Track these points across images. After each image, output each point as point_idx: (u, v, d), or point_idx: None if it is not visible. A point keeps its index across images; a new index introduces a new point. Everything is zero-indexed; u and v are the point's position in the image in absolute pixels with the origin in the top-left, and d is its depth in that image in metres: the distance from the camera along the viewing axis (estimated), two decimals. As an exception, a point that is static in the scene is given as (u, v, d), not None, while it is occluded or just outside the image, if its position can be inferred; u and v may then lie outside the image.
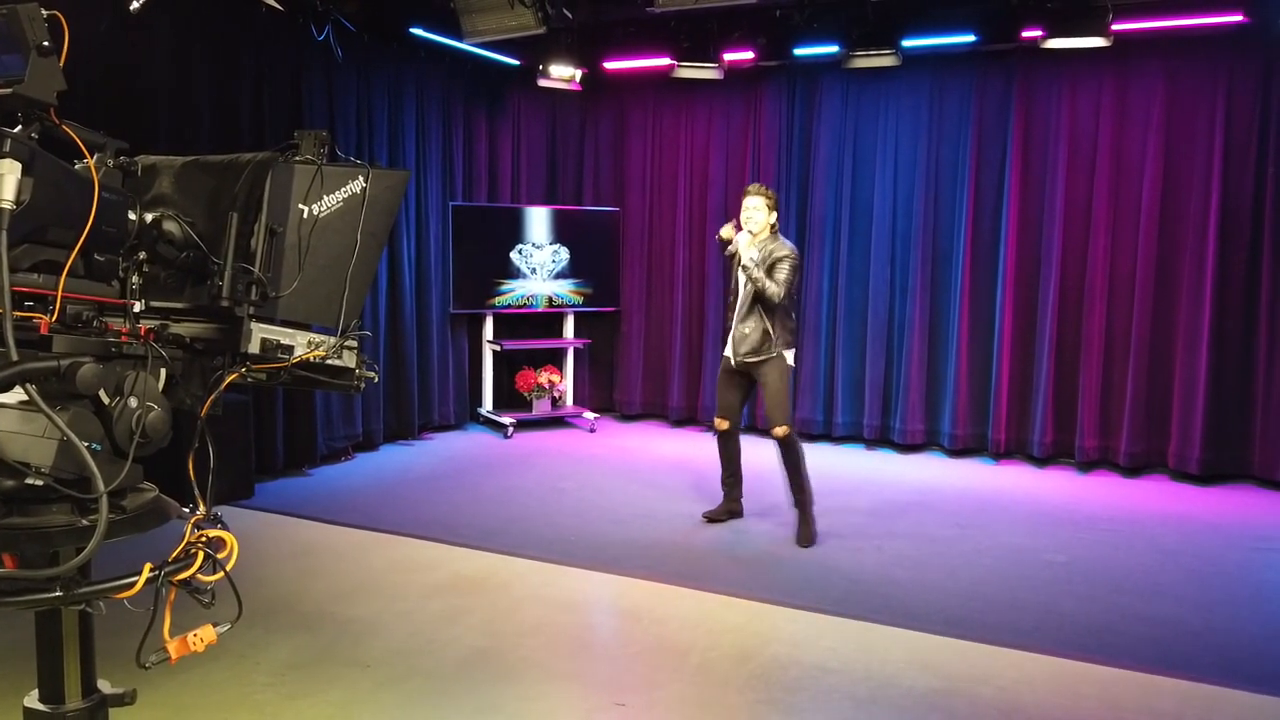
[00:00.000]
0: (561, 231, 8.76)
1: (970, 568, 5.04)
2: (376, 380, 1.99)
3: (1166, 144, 7.05)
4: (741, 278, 5.38)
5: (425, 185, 7.98)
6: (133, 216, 1.62)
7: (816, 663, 3.85)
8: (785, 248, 5.29)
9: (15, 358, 1.35)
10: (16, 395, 1.42)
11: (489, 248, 8.43)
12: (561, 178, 9.26)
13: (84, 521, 1.50)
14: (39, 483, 1.43)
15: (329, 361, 1.86)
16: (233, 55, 6.21)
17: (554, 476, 6.89)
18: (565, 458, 7.55)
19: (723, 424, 5.58)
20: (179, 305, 1.74)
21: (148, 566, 1.54)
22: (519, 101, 8.81)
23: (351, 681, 3.60)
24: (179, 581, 1.60)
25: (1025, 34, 6.74)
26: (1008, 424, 7.57)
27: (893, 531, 5.66)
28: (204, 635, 1.64)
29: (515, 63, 8.15)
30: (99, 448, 1.47)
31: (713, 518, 5.73)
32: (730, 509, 5.77)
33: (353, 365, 1.90)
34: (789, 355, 5.37)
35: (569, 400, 8.99)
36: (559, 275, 8.78)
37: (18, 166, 1.37)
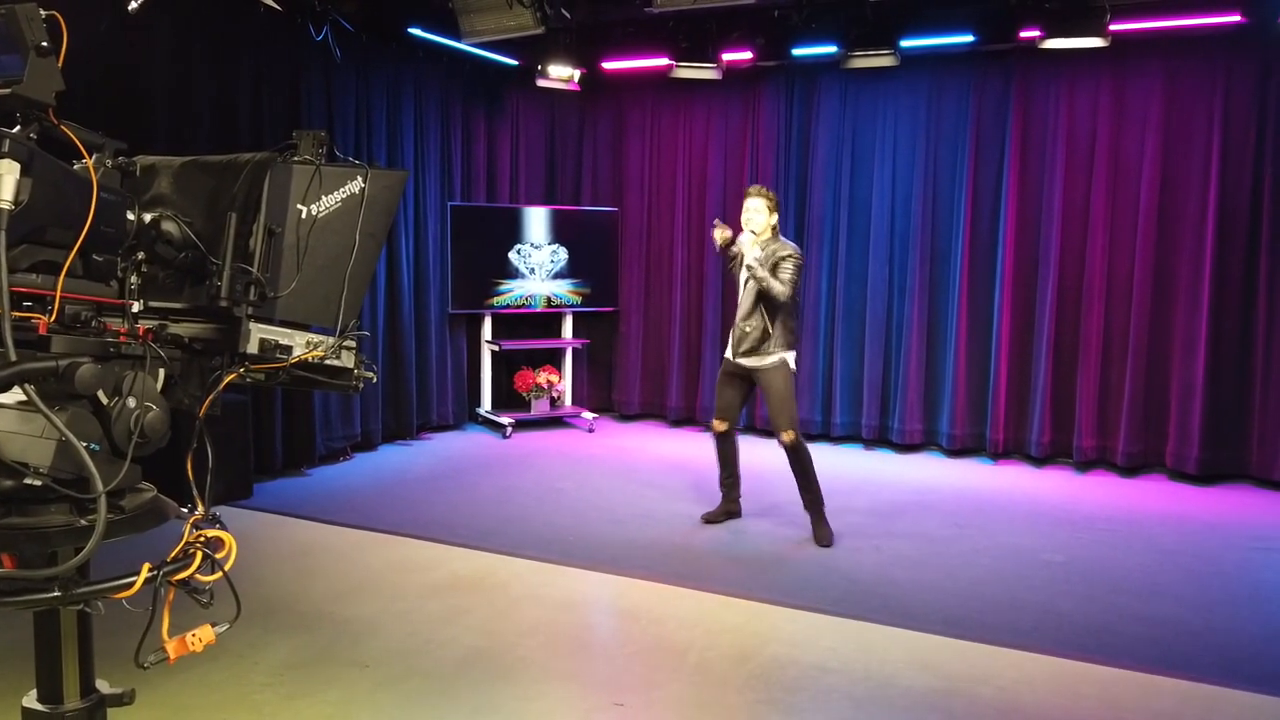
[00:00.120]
0: (560, 231, 8.76)
1: (969, 568, 5.05)
2: (375, 380, 1.99)
3: (1164, 144, 7.06)
4: (742, 278, 5.38)
5: (424, 185, 7.98)
6: (131, 217, 1.62)
7: (815, 663, 3.86)
8: (788, 247, 5.30)
9: (14, 358, 1.35)
10: (15, 395, 1.42)
11: (487, 248, 8.43)
12: (560, 178, 9.26)
13: (82, 521, 1.51)
14: (37, 483, 1.43)
15: (327, 362, 1.86)
16: (231, 55, 6.21)
17: (552, 476, 6.90)
18: (564, 458, 7.55)
19: (720, 425, 5.58)
20: (177, 305, 1.74)
21: (146, 566, 1.55)
22: (517, 101, 8.81)
23: (350, 681, 3.60)
24: (177, 581, 1.59)
25: (1023, 34, 6.75)
26: (1006, 424, 7.58)
27: (891, 531, 5.66)
28: (202, 635, 1.64)
29: (514, 63, 8.15)
30: (97, 448, 1.47)
31: (711, 519, 5.73)
32: (729, 510, 5.77)
33: (351, 365, 1.90)
34: (790, 358, 5.36)
35: (567, 400, 8.99)
36: (557, 275, 8.78)
37: (16, 167, 1.37)
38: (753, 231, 5.35)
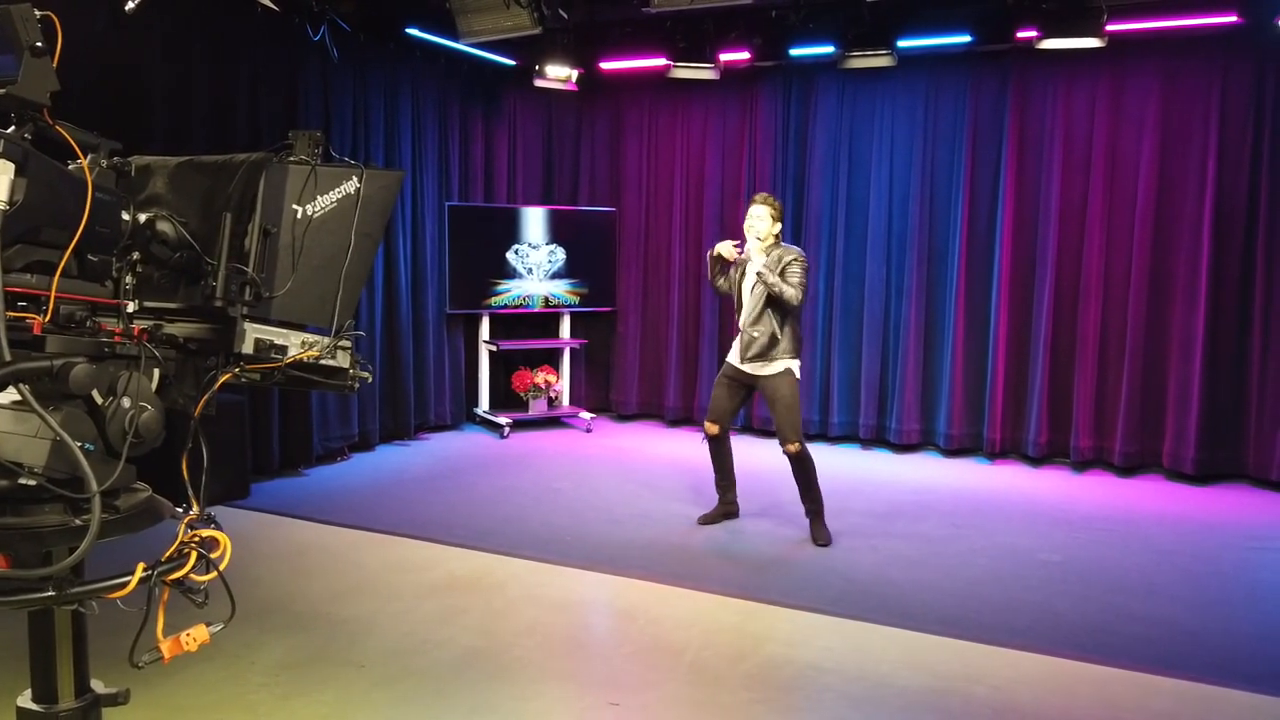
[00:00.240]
0: (558, 232, 8.76)
1: (965, 567, 5.05)
2: (371, 380, 1.99)
3: (1161, 144, 7.07)
4: (745, 286, 5.36)
5: (421, 185, 7.98)
6: (126, 217, 1.62)
7: (811, 662, 3.86)
8: (792, 250, 5.28)
9: (8, 358, 1.35)
10: (10, 395, 1.43)
11: (485, 248, 8.43)
12: (558, 178, 9.26)
13: (77, 521, 1.50)
14: (32, 482, 1.43)
15: (323, 362, 1.86)
16: (229, 55, 6.20)
17: (550, 476, 6.90)
18: (561, 458, 7.56)
19: (712, 429, 5.55)
20: (173, 305, 1.74)
21: (141, 566, 1.55)
22: (515, 102, 8.81)
23: (346, 681, 3.60)
24: (172, 581, 1.59)
25: (1020, 34, 6.75)
26: (1003, 424, 7.58)
27: (888, 531, 5.67)
28: (197, 635, 1.64)
29: (511, 63, 8.16)
30: (92, 448, 1.47)
31: (706, 521, 5.72)
32: (725, 511, 5.76)
33: (347, 365, 1.90)
34: (795, 367, 5.32)
35: (565, 400, 8.99)
36: (555, 275, 8.79)
37: (11, 167, 1.37)
38: (757, 238, 5.32)
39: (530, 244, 8.65)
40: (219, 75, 6.16)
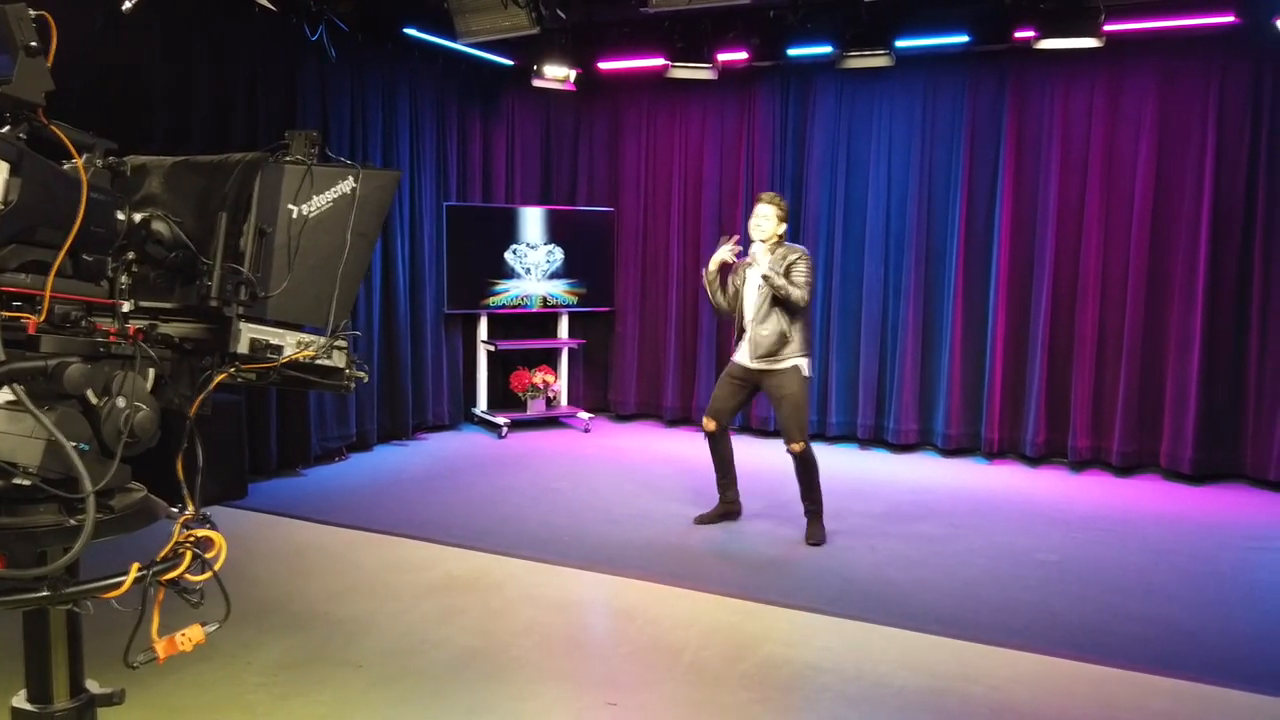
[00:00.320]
0: (556, 231, 8.76)
1: (963, 567, 5.05)
2: (366, 380, 1.99)
3: (1159, 144, 7.07)
4: (748, 288, 5.34)
5: (419, 185, 7.97)
6: (121, 216, 1.62)
7: (809, 662, 3.86)
8: (797, 250, 5.27)
9: (3, 358, 1.35)
10: (4, 395, 1.42)
11: (483, 248, 8.43)
12: (556, 178, 9.26)
13: (72, 521, 1.50)
14: (26, 482, 1.43)
15: (319, 361, 1.86)
16: (227, 55, 6.20)
17: (548, 476, 6.90)
18: (559, 458, 7.56)
19: (710, 425, 5.53)
20: (168, 305, 1.74)
21: (135, 566, 1.54)
22: (513, 102, 8.81)
23: (344, 681, 3.60)
24: (167, 581, 1.59)
25: (1018, 34, 6.76)
26: (1001, 424, 7.59)
27: (886, 531, 5.67)
28: (192, 635, 1.64)
29: (509, 63, 8.16)
30: (86, 448, 1.47)
31: (704, 521, 5.71)
32: (725, 511, 5.73)
33: (342, 365, 1.90)
34: (805, 365, 5.31)
35: (563, 400, 8.99)
36: (553, 275, 8.79)
37: (5, 167, 1.37)
38: (761, 239, 5.31)
39: (528, 244, 8.65)
40: (217, 75, 6.16)
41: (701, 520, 5.71)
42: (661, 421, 8.91)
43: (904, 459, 7.73)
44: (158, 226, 1.66)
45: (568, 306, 8.88)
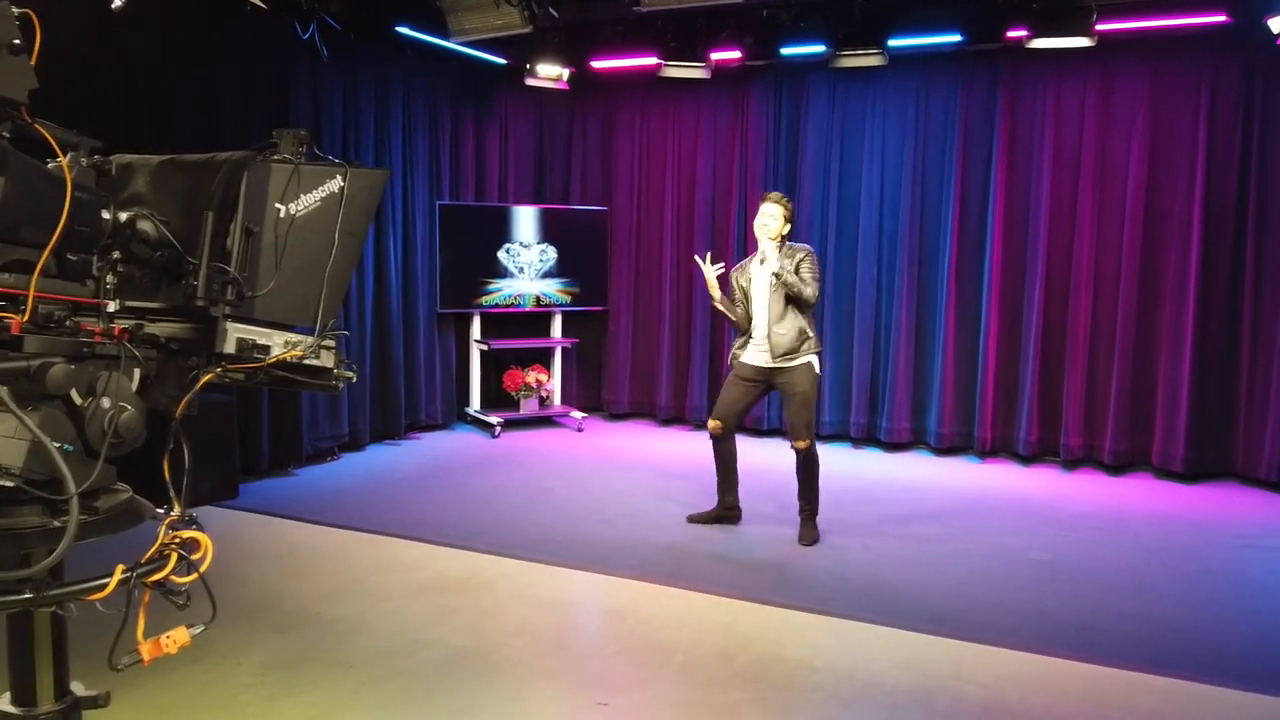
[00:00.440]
0: (549, 231, 8.75)
1: (956, 566, 5.06)
2: (355, 380, 1.98)
3: (1151, 143, 7.09)
4: (757, 288, 5.32)
5: (412, 184, 7.95)
6: (107, 215, 1.60)
7: (802, 661, 3.86)
8: (803, 248, 5.30)
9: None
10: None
11: (476, 247, 8.42)
12: (549, 177, 9.24)
13: (56, 523, 1.49)
14: (9, 484, 1.41)
15: (306, 361, 1.84)
16: (217, 54, 6.17)
17: (541, 476, 6.89)
18: (552, 457, 7.55)
19: (715, 426, 5.49)
20: (154, 305, 1.72)
21: (120, 568, 1.53)
22: (506, 100, 8.79)
23: (334, 682, 3.59)
24: (152, 583, 1.58)
25: (1010, 34, 6.76)
26: (993, 422, 7.60)
27: (879, 530, 5.67)
28: (177, 637, 1.63)
29: (502, 62, 8.14)
30: (71, 449, 1.46)
31: (698, 520, 5.70)
32: (723, 513, 5.68)
33: (331, 365, 1.89)
34: (816, 362, 5.31)
35: (556, 400, 8.98)
36: (546, 274, 8.77)
37: (-12, 166, 1.36)
38: (769, 238, 5.29)
39: (521, 243, 8.64)
40: (207, 74, 6.13)
41: (695, 520, 5.70)
42: (655, 421, 8.91)
43: (897, 458, 7.73)
44: (143, 226, 1.64)
45: (561, 306, 8.87)
